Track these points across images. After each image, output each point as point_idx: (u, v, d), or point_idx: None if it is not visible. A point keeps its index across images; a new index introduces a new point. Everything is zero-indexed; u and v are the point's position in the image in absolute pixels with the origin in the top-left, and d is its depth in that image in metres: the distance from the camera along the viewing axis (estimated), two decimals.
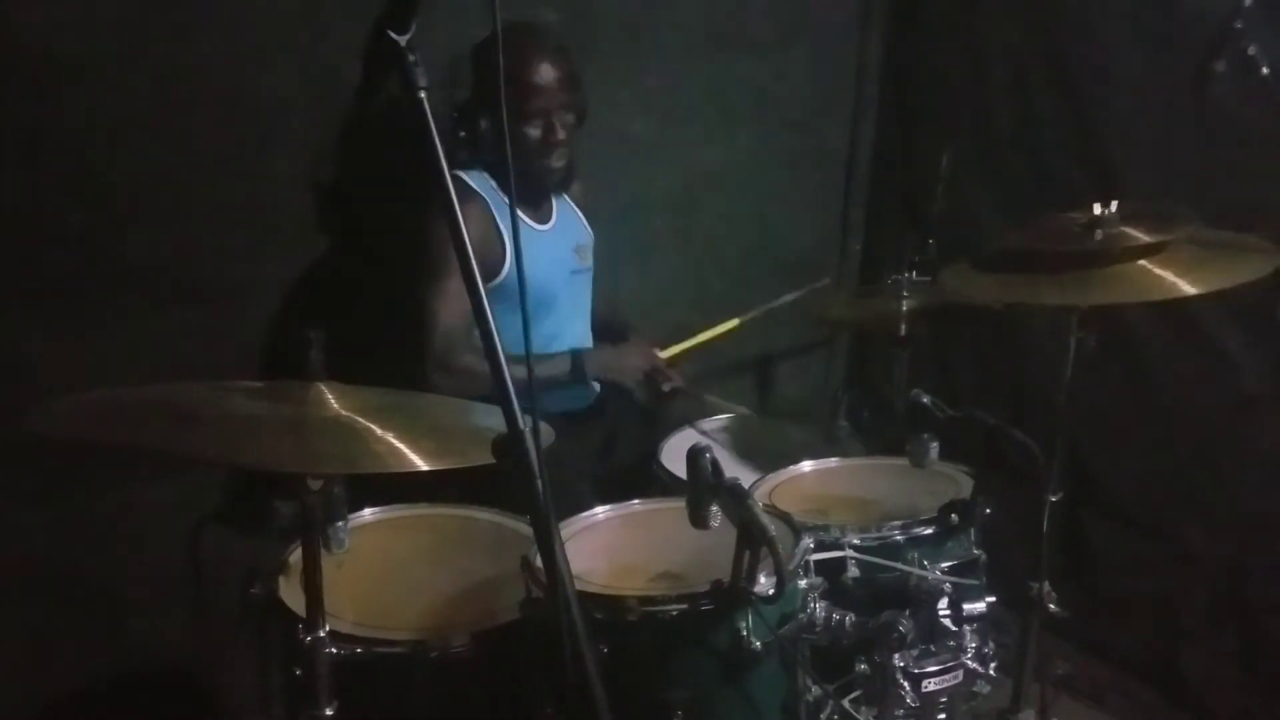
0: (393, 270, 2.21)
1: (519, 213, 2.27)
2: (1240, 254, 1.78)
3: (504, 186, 2.22)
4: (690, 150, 2.86)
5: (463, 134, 2.20)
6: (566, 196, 2.44)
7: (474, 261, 1.10)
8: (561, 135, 2.22)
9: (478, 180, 2.22)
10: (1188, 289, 1.73)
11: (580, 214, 2.46)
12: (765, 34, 2.94)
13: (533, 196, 2.33)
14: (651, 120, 2.74)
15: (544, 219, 2.36)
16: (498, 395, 1.07)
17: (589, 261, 2.44)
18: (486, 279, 2.12)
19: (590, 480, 2.13)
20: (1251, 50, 1.73)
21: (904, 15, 3.18)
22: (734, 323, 2.57)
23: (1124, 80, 2.58)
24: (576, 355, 2.25)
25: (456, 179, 2.15)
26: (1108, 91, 2.63)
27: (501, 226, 2.20)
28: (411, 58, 1.07)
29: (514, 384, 1.07)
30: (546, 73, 2.17)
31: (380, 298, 2.28)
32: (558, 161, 2.25)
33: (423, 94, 1.07)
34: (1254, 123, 1.99)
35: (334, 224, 2.30)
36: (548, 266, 2.31)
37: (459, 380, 2.05)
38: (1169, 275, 1.75)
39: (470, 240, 2.06)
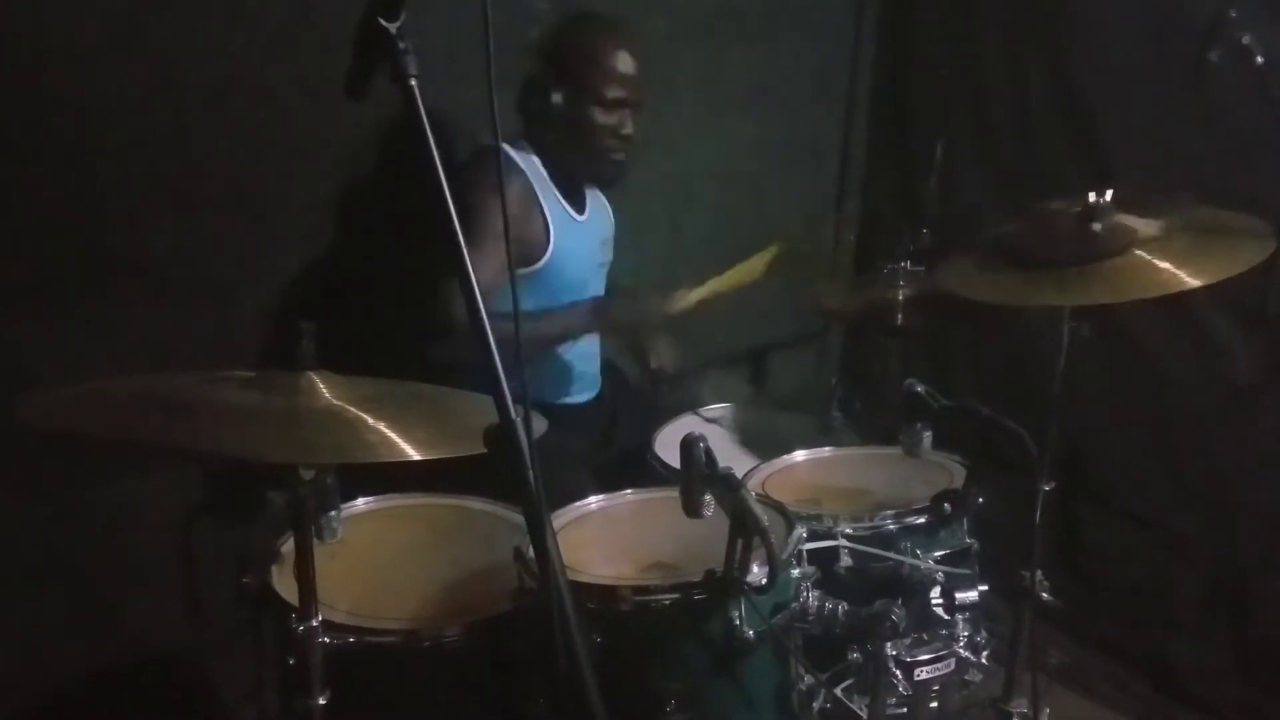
0: (389, 263, 2.21)
1: (560, 200, 2.24)
2: (1237, 238, 1.76)
3: (551, 170, 2.21)
4: (683, 140, 2.85)
5: (531, 105, 2.15)
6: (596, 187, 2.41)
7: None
8: (630, 130, 2.20)
9: (524, 159, 2.18)
10: (1189, 281, 1.67)
11: (608, 205, 2.44)
12: (758, 23, 2.93)
13: (574, 185, 2.29)
14: (644, 110, 2.72)
15: (581, 209, 2.31)
16: (489, 384, 1.07)
17: (611, 254, 2.42)
18: (525, 262, 2.11)
19: (585, 470, 2.13)
20: (1246, 40, 1.73)
21: (898, 4, 3.17)
22: (770, 252, 2.29)
23: (1119, 71, 2.58)
24: (597, 302, 2.16)
25: (502, 153, 2.12)
26: (1102, 82, 2.63)
27: (546, 209, 2.17)
28: (402, 45, 1.06)
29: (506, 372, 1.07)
30: (630, 65, 2.16)
31: (375, 290, 2.27)
32: (619, 155, 2.22)
33: (413, 82, 1.07)
34: (1248, 113, 1.99)
35: (328, 216, 2.30)
36: (584, 258, 2.28)
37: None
38: (1168, 266, 1.71)
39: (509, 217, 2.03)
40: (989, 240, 1.94)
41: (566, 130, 2.16)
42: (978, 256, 1.95)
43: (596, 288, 2.36)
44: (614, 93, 2.15)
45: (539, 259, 2.15)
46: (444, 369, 1.60)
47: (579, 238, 2.27)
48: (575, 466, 2.09)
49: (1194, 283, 1.68)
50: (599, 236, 2.37)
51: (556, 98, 2.12)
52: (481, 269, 2.01)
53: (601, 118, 2.16)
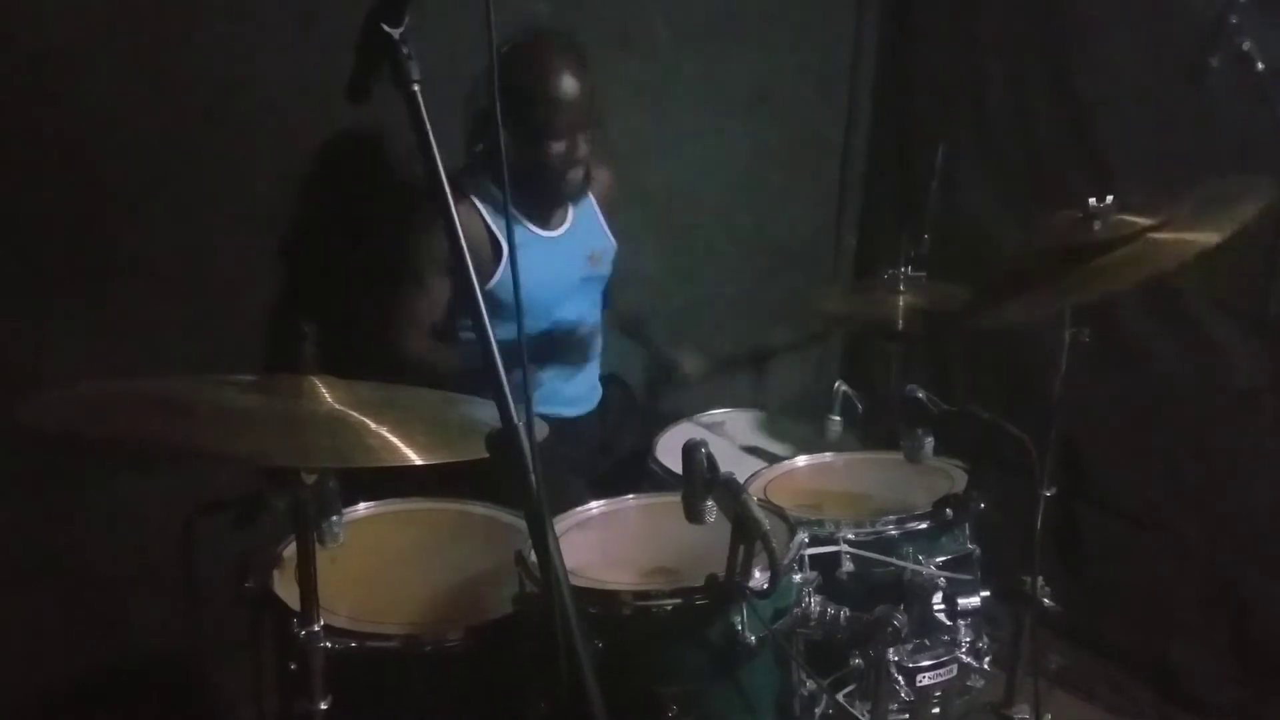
0: (385, 264, 2.20)
1: (520, 219, 2.22)
2: (1235, 198, 1.72)
3: (510, 190, 2.20)
4: (684, 145, 2.84)
5: (479, 147, 2.13)
6: (592, 199, 2.36)
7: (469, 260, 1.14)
8: (583, 151, 2.16)
9: (475, 185, 2.15)
10: (1194, 245, 1.62)
11: (602, 218, 2.38)
12: (759, 27, 2.92)
13: (544, 206, 2.26)
14: (644, 114, 2.73)
15: (553, 226, 2.28)
16: (493, 391, 1.07)
17: (604, 268, 2.37)
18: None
19: (586, 476, 2.12)
20: (1246, 46, 1.73)
21: (900, 8, 3.17)
22: None
23: (1120, 76, 2.58)
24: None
25: (451, 181, 2.14)
26: (1103, 87, 2.63)
27: (496, 232, 2.15)
28: (405, 50, 1.06)
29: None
30: (570, 88, 2.10)
31: (375, 291, 2.27)
32: (575, 175, 2.20)
33: (416, 88, 1.07)
34: (1249, 119, 1.99)
35: (328, 218, 2.29)
36: (550, 275, 2.24)
37: (419, 370, 2.09)
38: (1173, 237, 1.68)
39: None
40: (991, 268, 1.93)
41: (519, 164, 2.11)
42: (988, 284, 1.93)
43: (577, 305, 2.32)
44: (559, 121, 2.11)
45: (486, 282, 2.12)
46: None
47: (545, 254, 2.24)
48: (572, 478, 2.08)
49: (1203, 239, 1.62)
50: (581, 251, 2.32)
51: (504, 137, 2.11)
52: (416, 304, 2.16)
53: (554, 147, 2.13)
